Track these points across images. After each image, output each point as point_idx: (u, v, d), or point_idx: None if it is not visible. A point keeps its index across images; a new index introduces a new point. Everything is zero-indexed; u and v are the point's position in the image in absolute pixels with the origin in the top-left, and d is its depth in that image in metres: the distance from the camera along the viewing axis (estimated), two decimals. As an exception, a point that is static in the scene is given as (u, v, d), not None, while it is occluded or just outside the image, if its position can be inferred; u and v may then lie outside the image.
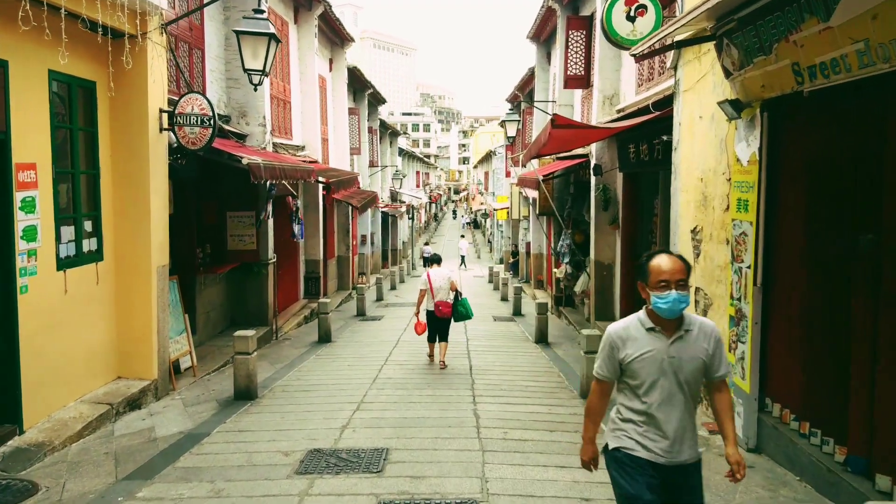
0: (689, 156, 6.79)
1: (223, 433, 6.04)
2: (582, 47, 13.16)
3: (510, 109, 15.87)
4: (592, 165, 11.28)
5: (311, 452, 5.35)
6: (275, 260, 11.58)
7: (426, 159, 73.11)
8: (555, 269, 15.23)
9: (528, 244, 22.51)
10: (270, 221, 11.17)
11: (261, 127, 11.11)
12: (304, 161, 14.16)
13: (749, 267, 5.29)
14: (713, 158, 6.15)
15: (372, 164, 24.93)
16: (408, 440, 5.68)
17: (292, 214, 11.56)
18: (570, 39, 13.23)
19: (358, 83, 22.05)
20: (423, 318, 9.31)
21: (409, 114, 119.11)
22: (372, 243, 27.48)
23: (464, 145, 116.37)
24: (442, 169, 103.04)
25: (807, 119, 4.81)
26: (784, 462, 4.94)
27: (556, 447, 5.54)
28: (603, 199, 11.10)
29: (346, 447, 5.50)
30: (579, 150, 12.66)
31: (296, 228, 11.28)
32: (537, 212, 16.15)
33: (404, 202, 36.49)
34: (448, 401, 7.13)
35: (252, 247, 11.01)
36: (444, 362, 9.06)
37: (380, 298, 19.69)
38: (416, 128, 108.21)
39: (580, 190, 13.96)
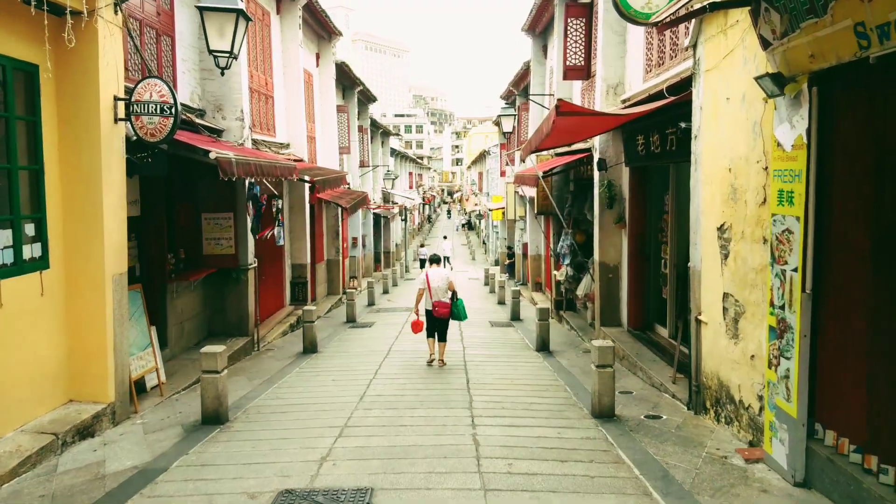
0: (713, 144, 6.01)
1: (183, 468, 5.21)
2: (582, 36, 12.41)
3: (505, 105, 15.05)
4: (596, 160, 10.50)
5: (282, 494, 4.53)
6: (256, 265, 10.75)
7: (419, 160, 72.19)
8: (555, 272, 14.45)
9: (524, 245, 21.72)
10: (250, 224, 10.33)
11: (238, 121, 10.28)
12: (289, 159, 13.35)
13: (795, 270, 4.50)
14: (744, 145, 5.37)
15: (363, 164, 24.11)
16: (396, 476, 4.86)
17: (268, 214, 10.70)
18: (568, 28, 12.48)
19: (347, 80, 21.24)
20: (421, 317, 9.47)
21: (402, 115, 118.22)
22: (364, 246, 26.67)
23: (457, 146, 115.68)
24: (435, 170, 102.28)
25: (871, 91, 4.03)
26: (843, 501, 4.15)
27: (570, 483, 4.73)
28: (607, 197, 10.32)
29: (324, 486, 4.68)
30: (580, 145, 11.89)
31: (276, 231, 10.43)
32: (535, 211, 15.36)
33: (397, 203, 35.67)
34: (444, 423, 6.31)
35: (230, 251, 10.17)
36: (443, 360, 9.29)
37: (371, 303, 18.85)
38: (408, 129, 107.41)
39: (581, 187, 13.18)
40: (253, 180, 9.98)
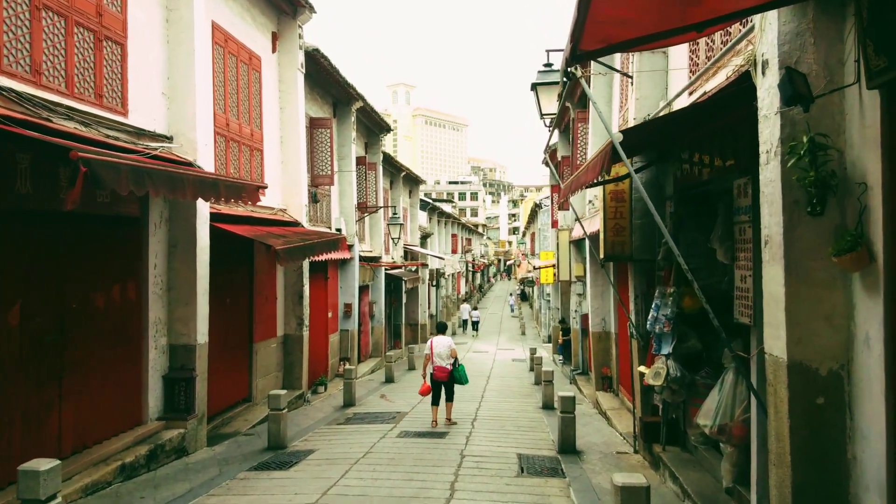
0: None
1: None
2: None
3: (543, 67, 8.76)
4: (778, 80, 3.92)
5: None
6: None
7: (473, 227, 66.19)
8: (641, 368, 7.63)
9: (584, 317, 14.88)
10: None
11: None
12: (171, 162, 7.30)
13: None
14: None
15: (362, 207, 18.06)
16: None
17: None
18: None
19: (334, 87, 15.43)
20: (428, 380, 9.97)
21: (456, 182, 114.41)
22: (371, 316, 20.33)
23: (513, 215, 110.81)
24: (490, 238, 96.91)
25: None
26: None
27: None
28: (811, 181, 3.65)
29: None
30: (703, 70, 5.40)
31: None
32: (602, 256, 8.62)
33: (426, 265, 29.39)
34: None
35: None
36: (449, 420, 9.88)
37: (348, 404, 12.26)
38: (462, 196, 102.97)
39: (693, 200, 6.56)
40: None
